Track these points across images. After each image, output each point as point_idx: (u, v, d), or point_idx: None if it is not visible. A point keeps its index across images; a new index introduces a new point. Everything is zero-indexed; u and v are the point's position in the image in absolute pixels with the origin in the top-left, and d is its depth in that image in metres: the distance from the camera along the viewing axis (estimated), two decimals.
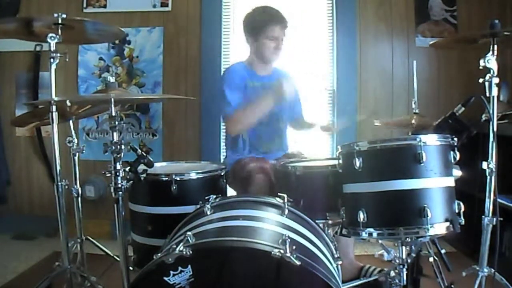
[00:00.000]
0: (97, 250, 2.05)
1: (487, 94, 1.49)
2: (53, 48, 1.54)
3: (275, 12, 2.14)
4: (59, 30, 1.57)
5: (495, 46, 1.50)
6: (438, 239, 1.98)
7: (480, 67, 1.48)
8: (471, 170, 1.65)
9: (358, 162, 1.34)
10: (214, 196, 1.37)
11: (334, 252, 1.35)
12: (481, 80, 1.49)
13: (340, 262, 1.31)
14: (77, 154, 1.89)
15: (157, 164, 1.68)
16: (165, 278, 0.99)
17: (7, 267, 2.40)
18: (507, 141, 2.02)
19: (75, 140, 1.87)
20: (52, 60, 1.55)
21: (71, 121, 1.92)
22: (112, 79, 1.84)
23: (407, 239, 1.32)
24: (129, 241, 1.77)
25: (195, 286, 0.99)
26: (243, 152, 2.18)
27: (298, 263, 0.94)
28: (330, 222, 1.55)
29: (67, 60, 1.60)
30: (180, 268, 0.98)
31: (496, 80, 1.47)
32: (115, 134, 1.40)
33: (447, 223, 1.29)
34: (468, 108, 1.53)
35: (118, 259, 1.67)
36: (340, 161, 1.46)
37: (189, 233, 1.04)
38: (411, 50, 2.94)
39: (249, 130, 2.16)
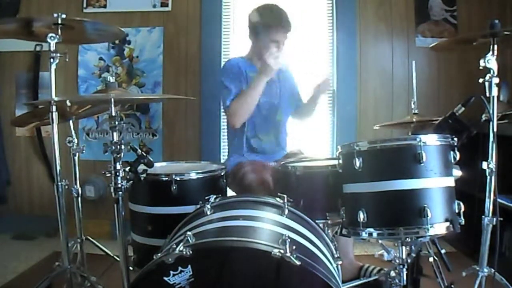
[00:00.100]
0: (97, 250, 2.05)
1: (487, 94, 1.49)
2: (53, 48, 1.55)
3: (281, 15, 2.12)
4: (59, 30, 1.57)
5: (495, 46, 1.50)
6: (438, 239, 1.98)
7: (480, 67, 1.48)
8: (471, 170, 1.65)
9: (358, 162, 1.34)
10: (214, 196, 1.37)
11: (334, 252, 1.35)
12: (481, 80, 1.49)
13: (340, 262, 1.31)
14: (77, 154, 1.89)
15: (157, 164, 1.68)
16: (165, 278, 0.99)
17: (7, 267, 2.40)
18: (507, 141, 2.02)
19: (75, 140, 1.87)
20: (52, 60, 1.55)
21: (71, 121, 1.92)
22: (112, 79, 1.84)
23: (407, 239, 1.32)
24: (129, 241, 1.77)
25: (195, 286, 0.99)
26: (243, 150, 2.17)
27: (298, 263, 0.94)
28: (330, 222, 1.55)
29: (67, 60, 1.60)
30: (180, 268, 0.98)
31: (496, 80, 1.47)
32: (115, 134, 1.40)
33: (447, 223, 1.28)
34: (468, 108, 1.53)
35: (118, 259, 1.67)
36: (340, 161, 1.46)
37: (189, 233, 1.04)
38: (411, 50, 2.94)
39: (246, 122, 2.14)
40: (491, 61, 1.47)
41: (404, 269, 1.39)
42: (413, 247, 1.64)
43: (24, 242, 2.90)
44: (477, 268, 1.53)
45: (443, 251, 1.98)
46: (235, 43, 3.00)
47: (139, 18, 2.99)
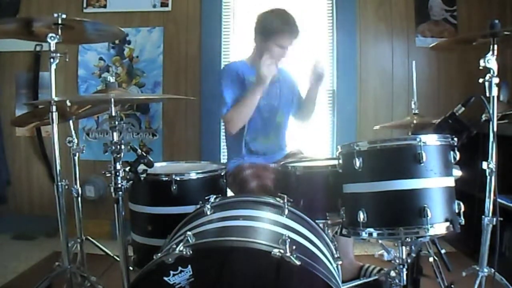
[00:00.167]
0: (97, 250, 2.05)
1: (487, 94, 1.49)
2: (53, 48, 1.55)
3: (291, 20, 2.11)
4: (59, 30, 1.57)
5: (495, 46, 1.50)
6: (438, 239, 1.98)
7: (480, 67, 1.48)
8: (471, 170, 1.65)
9: (358, 162, 1.34)
10: (214, 196, 1.37)
11: (334, 252, 1.35)
12: (481, 80, 1.49)
13: (340, 262, 1.31)
14: (77, 154, 1.89)
15: (157, 164, 1.68)
16: (165, 278, 0.99)
17: (7, 267, 2.40)
18: (507, 141, 2.02)
19: (75, 140, 1.87)
20: (52, 60, 1.55)
21: (71, 121, 1.92)
22: (112, 79, 1.84)
23: (407, 239, 1.32)
24: (129, 241, 1.77)
25: (195, 286, 0.99)
26: (242, 153, 2.17)
27: (298, 263, 0.94)
28: (330, 222, 1.55)
29: (67, 60, 1.60)
30: (180, 268, 0.98)
31: (496, 80, 1.47)
32: (115, 134, 1.40)
33: (447, 223, 1.28)
34: (468, 108, 1.53)
35: (118, 259, 1.67)
36: (340, 161, 1.45)
37: (189, 233, 1.04)
38: (411, 50, 2.94)
39: (246, 126, 2.14)
40: (491, 61, 1.47)
41: (404, 269, 1.39)
42: (413, 247, 1.64)
43: (24, 242, 2.90)
44: (477, 268, 1.53)
45: (443, 251, 1.98)
46: (235, 43, 3.01)
47: (139, 18, 2.99)
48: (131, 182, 1.43)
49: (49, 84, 1.57)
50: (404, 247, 1.38)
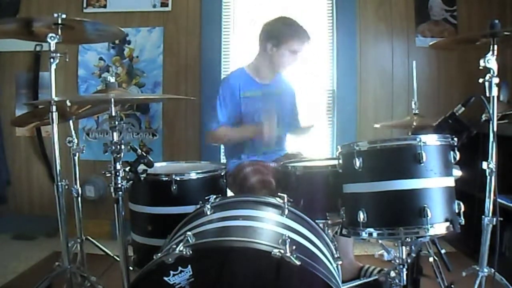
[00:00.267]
0: (97, 250, 2.05)
1: (487, 94, 1.49)
2: (53, 48, 1.54)
3: (301, 26, 2.14)
4: (59, 30, 1.57)
5: (495, 46, 1.50)
6: (438, 239, 1.98)
7: (480, 67, 1.48)
8: (471, 170, 1.65)
9: (358, 162, 1.34)
10: (214, 196, 1.37)
11: (334, 252, 1.35)
12: (481, 80, 1.49)
13: (340, 262, 1.31)
14: (77, 154, 1.89)
15: (157, 164, 1.68)
16: (165, 278, 0.99)
17: (7, 267, 2.40)
18: (507, 141, 2.02)
19: (75, 140, 1.87)
20: (52, 60, 1.55)
21: (71, 121, 1.92)
22: (112, 79, 1.84)
23: (407, 239, 1.32)
24: (129, 241, 1.77)
25: (195, 286, 0.99)
26: (241, 155, 2.17)
27: (298, 263, 0.94)
28: (330, 222, 1.55)
29: (67, 60, 1.60)
30: (180, 268, 0.98)
31: (496, 80, 1.47)
32: (115, 134, 1.40)
33: (447, 223, 1.28)
34: (468, 108, 1.53)
35: (118, 259, 1.67)
36: (340, 161, 1.46)
37: (189, 233, 1.04)
38: (411, 50, 2.94)
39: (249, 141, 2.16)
40: (491, 61, 1.47)
41: (404, 269, 1.39)
42: (413, 247, 1.64)
43: (24, 242, 2.90)
44: (477, 268, 1.53)
45: (443, 251, 1.98)
46: (235, 43, 3.00)
47: (139, 18, 2.98)
48: (131, 182, 1.43)
49: (49, 84, 1.57)
50: (404, 247, 1.38)
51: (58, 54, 1.56)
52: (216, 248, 1.03)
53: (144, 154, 1.47)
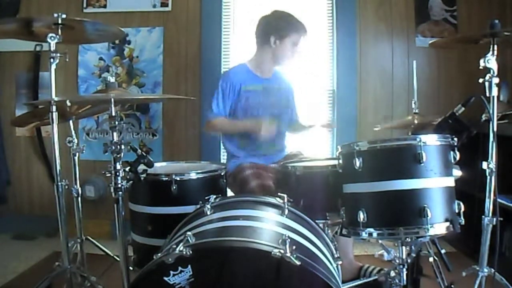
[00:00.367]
0: (97, 250, 2.05)
1: (487, 94, 1.49)
2: (53, 48, 1.54)
3: (299, 21, 2.18)
4: (59, 30, 1.57)
5: (495, 46, 1.50)
6: (438, 239, 1.98)
7: (480, 67, 1.48)
8: (471, 170, 1.65)
9: (358, 162, 1.34)
10: (214, 196, 1.37)
11: (334, 252, 1.35)
12: (481, 80, 1.49)
13: (340, 262, 1.31)
14: (77, 154, 1.89)
15: (157, 164, 1.68)
16: (165, 278, 0.99)
17: (7, 267, 2.40)
18: (507, 141, 2.02)
19: (75, 140, 1.87)
20: (52, 60, 1.55)
21: (71, 121, 1.92)
22: (112, 79, 1.83)
23: (407, 239, 1.32)
24: (129, 241, 1.77)
25: (195, 286, 0.99)
26: (242, 156, 2.17)
27: (298, 263, 0.94)
28: (330, 222, 1.55)
29: (67, 60, 1.59)
30: (180, 268, 0.98)
31: (496, 80, 1.47)
32: (115, 134, 1.40)
33: (447, 223, 1.29)
34: (468, 108, 1.53)
35: (118, 259, 1.67)
36: (340, 161, 1.46)
37: (189, 233, 1.04)
38: (411, 50, 2.94)
39: (248, 134, 2.16)
40: (491, 61, 1.47)
41: (404, 269, 1.39)
42: (413, 247, 1.64)
43: (24, 242, 2.90)
44: (477, 268, 1.53)
45: (443, 251, 1.98)
46: (235, 43, 3.00)
47: (139, 18, 2.98)
48: (131, 182, 1.43)
49: (49, 84, 1.57)
50: (404, 247, 1.39)
51: (58, 54, 1.56)
52: (216, 248, 1.03)
53: (144, 154, 1.46)
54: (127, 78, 3.02)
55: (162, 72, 3.00)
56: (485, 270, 1.52)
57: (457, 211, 1.34)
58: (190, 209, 1.41)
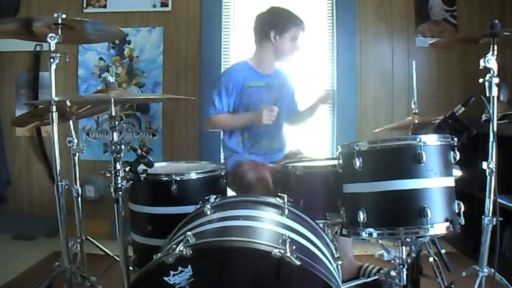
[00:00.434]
0: (97, 250, 2.05)
1: (487, 94, 1.49)
2: (53, 48, 1.54)
3: (297, 15, 2.20)
4: (59, 30, 1.57)
5: (495, 46, 1.50)
6: (438, 239, 1.98)
7: (480, 67, 1.48)
8: (471, 170, 1.65)
9: (358, 162, 1.34)
10: (214, 196, 1.37)
11: (334, 252, 1.35)
12: (481, 80, 1.49)
13: (340, 262, 1.31)
14: (77, 154, 1.89)
15: (157, 164, 1.67)
16: (165, 278, 0.99)
17: (7, 267, 2.40)
18: (507, 141, 2.02)
19: (75, 140, 1.87)
20: (52, 60, 1.55)
21: (71, 121, 1.92)
22: (112, 79, 1.83)
23: (407, 239, 1.32)
24: (129, 241, 1.77)
25: (195, 286, 0.99)
26: (241, 152, 2.18)
27: (298, 263, 0.94)
28: (330, 222, 1.55)
29: (67, 60, 1.60)
30: (180, 268, 0.98)
31: (496, 80, 1.47)
32: (115, 134, 1.40)
33: (447, 223, 1.29)
34: (468, 108, 1.53)
35: (118, 259, 1.67)
36: (340, 161, 1.46)
37: (189, 233, 1.04)
38: (411, 50, 2.94)
39: (249, 128, 2.18)
40: (491, 61, 1.47)
41: (404, 269, 1.39)
42: (413, 247, 1.64)
43: (24, 242, 2.90)
44: (477, 268, 1.53)
45: (443, 251, 1.98)
46: (235, 43, 3.00)
47: (139, 18, 2.98)
48: (131, 182, 1.43)
49: (49, 84, 1.57)
50: (404, 247, 1.38)
51: (58, 54, 1.56)
52: (216, 248, 1.03)
53: (144, 154, 1.46)
54: (127, 78, 3.02)
55: (162, 72, 2.99)
56: (485, 270, 1.52)
57: (457, 211, 1.34)
58: (190, 209, 1.41)
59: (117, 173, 1.39)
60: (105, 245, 2.08)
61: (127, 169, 1.42)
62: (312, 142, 2.92)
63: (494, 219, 1.50)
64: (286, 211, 1.27)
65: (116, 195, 1.40)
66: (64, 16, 1.56)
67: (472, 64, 1.62)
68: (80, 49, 3.01)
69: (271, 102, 2.16)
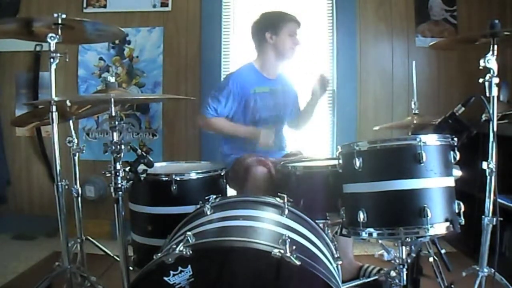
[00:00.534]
0: (97, 250, 2.05)
1: (487, 94, 1.49)
2: (53, 48, 1.54)
3: (289, 13, 2.22)
4: (59, 30, 1.57)
5: (495, 46, 1.50)
6: (438, 239, 1.98)
7: (480, 67, 1.48)
8: (471, 170, 1.65)
9: (358, 162, 1.34)
10: (214, 196, 1.37)
11: (334, 252, 1.35)
12: (481, 80, 1.49)
13: (340, 262, 1.31)
14: (77, 154, 1.89)
15: (157, 164, 1.68)
16: (165, 278, 0.99)
17: (7, 267, 2.40)
18: (507, 141, 2.02)
19: (75, 140, 1.87)
20: (52, 60, 1.55)
21: (71, 121, 1.92)
22: (112, 79, 1.84)
23: (407, 239, 1.32)
24: (129, 241, 1.77)
25: (195, 286, 0.99)
26: (241, 152, 2.17)
27: (298, 263, 0.94)
28: (330, 222, 1.55)
29: (67, 60, 1.60)
30: (180, 268, 0.98)
31: (496, 80, 1.47)
32: (115, 134, 1.41)
33: (447, 223, 1.29)
34: (468, 108, 1.53)
35: (118, 259, 1.67)
36: (340, 161, 1.46)
37: (189, 233, 1.04)
38: (411, 50, 2.94)
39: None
40: (491, 61, 1.47)
41: (404, 269, 1.39)
42: (413, 247, 1.64)
43: (24, 242, 2.90)
44: (477, 268, 1.53)
45: (443, 251, 1.98)
46: (235, 43, 3.00)
47: (139, 18, 2.98)
48: (131, 182, 1.43)
49: (49, 84, 1.57)
50: (404, 247, 1.38)
51: (58, 54, 1.56)
52: (216, 248, 1.03)
53: (144, 154, 1.47)
54: (127, 78, 3.02)
55: (162, 72, 2.99)
56: (485, 270, 1.52)
57: (457, 211, 1.34)
58: (190, 209, 1.42)
59: (117, 173, 1.39)
60: (105, 245, 2.08)
61: (127, 169, 1.43)
62: (312, 142, 2.92)
63: (494, 219, 1.50)
64: (286, 211, 1.27)
65: (116, 195, 1.40)
66: (64, 16, 1.56)
67: (472, 64, 1.62)
68: (80, 49, 3.01)
69: (274, 108, 2.18)
